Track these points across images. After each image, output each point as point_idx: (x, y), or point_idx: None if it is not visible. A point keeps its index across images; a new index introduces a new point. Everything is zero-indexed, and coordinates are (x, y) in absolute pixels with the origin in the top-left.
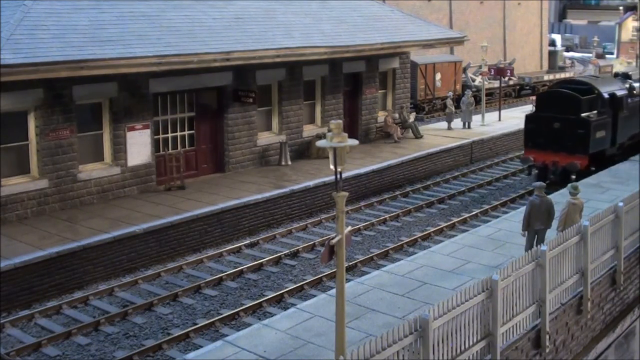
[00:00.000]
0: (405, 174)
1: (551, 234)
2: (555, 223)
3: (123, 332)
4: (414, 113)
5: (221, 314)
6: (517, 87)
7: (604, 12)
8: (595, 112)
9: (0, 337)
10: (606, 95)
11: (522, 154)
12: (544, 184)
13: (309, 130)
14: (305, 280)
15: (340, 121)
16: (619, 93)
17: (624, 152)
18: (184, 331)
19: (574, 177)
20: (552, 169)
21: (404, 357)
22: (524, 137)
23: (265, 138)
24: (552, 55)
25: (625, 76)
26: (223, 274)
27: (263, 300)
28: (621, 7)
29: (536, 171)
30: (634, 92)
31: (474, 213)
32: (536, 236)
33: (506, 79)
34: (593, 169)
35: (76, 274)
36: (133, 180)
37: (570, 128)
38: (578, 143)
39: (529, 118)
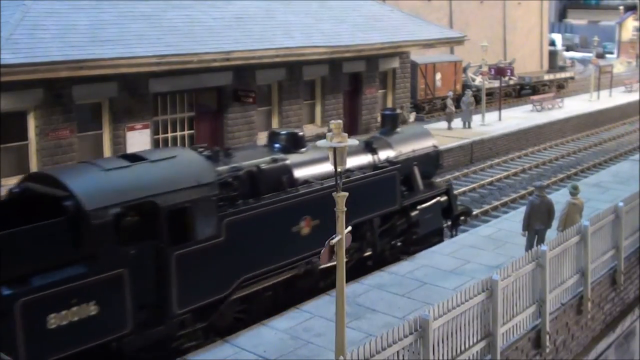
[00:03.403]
0: None
1: (551, 234)
2: (555, 223)
3: None
4: (414, 113)
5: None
6: (518, 87)
7: (604, 11)
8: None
9: None
10: (92, 212)
11: None
12: (544, 183)
13: (309, 130)
14: None
15: (340, 121)
16: (189, 197)
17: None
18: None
19: None
20: None
21: (404, 357)
22: None
23: (265, 138)
24: (552, 55)
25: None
26: None
27: None
28: (621, 7)
29: None
30: (294, 177)
31: (474, 213)
32: (536, 236)
33: (506, 78)
34: None
35: None
36: None
37: None
38: None
39: None
